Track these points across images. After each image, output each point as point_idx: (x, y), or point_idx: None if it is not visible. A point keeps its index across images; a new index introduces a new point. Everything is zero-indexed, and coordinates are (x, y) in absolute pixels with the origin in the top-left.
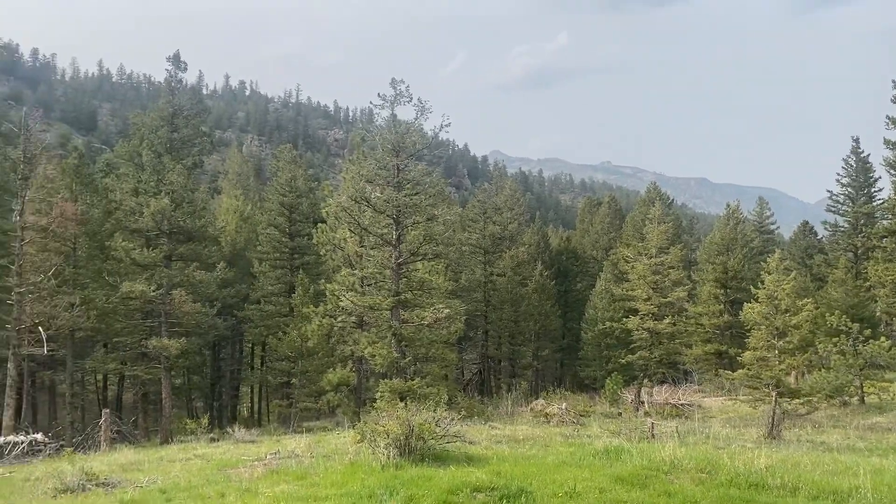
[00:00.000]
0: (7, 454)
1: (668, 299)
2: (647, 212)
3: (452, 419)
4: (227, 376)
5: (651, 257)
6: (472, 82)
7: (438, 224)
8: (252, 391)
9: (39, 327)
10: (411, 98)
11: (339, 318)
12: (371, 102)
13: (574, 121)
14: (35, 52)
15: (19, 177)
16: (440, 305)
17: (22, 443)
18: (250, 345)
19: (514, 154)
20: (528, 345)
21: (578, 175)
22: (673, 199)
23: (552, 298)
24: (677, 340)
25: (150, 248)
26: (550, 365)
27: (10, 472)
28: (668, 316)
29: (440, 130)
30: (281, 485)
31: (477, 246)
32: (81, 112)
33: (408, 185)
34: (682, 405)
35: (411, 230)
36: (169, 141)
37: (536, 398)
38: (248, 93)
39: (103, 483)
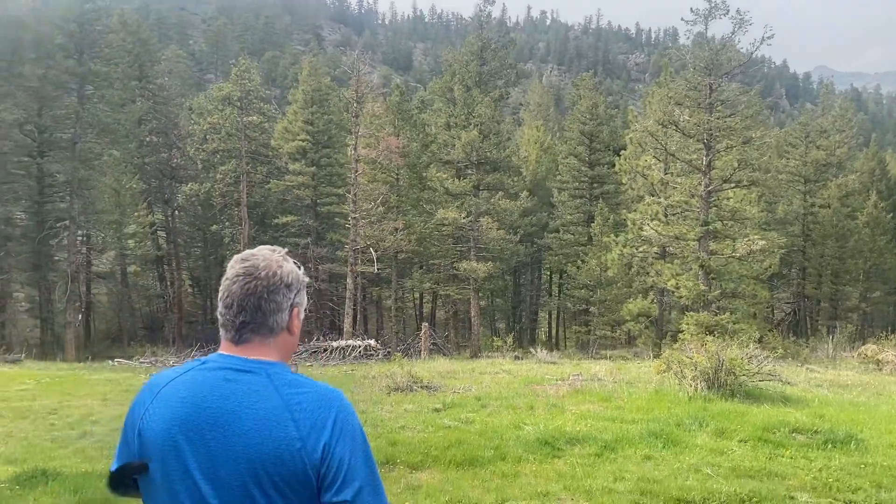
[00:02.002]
0: (348, 355)
1: None
2: None
3: (766, 357)
4: (527, 301)
5: None
6: None
7: (754, 148)
8: (549, 317)
9: (371, 248)
10: (728, 10)
11: (641, 248)
12: (682, 18)
13: None
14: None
15: (352, 115)
16: (755, 236)
17: (359, 347)
18: (548, 272)
19: (845, 68)
20: (855, 285)
21: None
22: None
23: (888, 234)
24: None
25: (461, 179)
26: (882, 308)
27: (352, 370)
28: None
29: (760, 44)
30: (586, 404)
31: (796, 174)
32: (399, 53)
33: (720, 107)
34: None
35: (723, 155)
36: (478, 74)
37: (863, 343)
38: (548, 22)
39: (426, 386)
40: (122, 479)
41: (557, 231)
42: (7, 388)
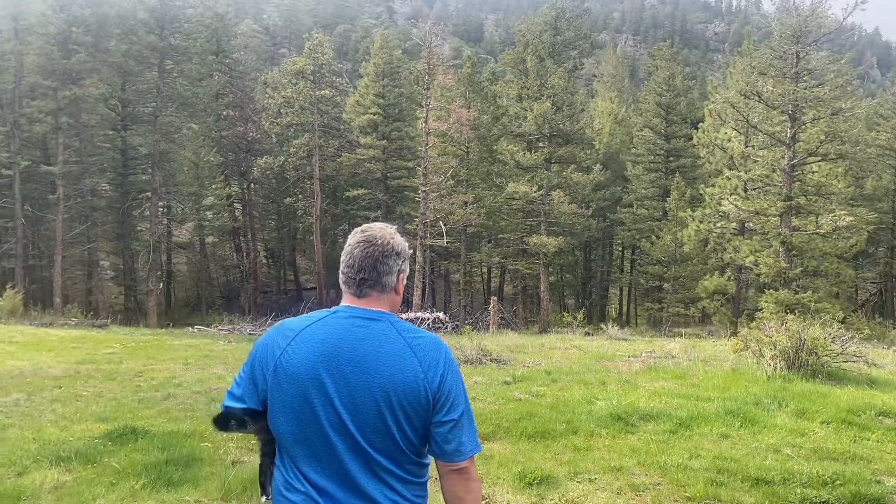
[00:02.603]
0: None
1: None
2: None
3: (851, 338)
4: (598, 277)
5: None
6: None
7: (842, 120)
8: (620, 293)
9: (440, 222)
10: None
11: (718, 224)
12: None
13: None
14: None
15: (423, 87)
16: (841, 213)
17: (428, 319)
18: (620, 247)
19: None
20: None
21: None
22: None
23: None
24: None
25: (532, 151)
26: None
27: None
28: None
29: (852, 10)
30: (660, 381)
31: (887, 147)
32: (470, 25)
33: (807, 76)
34: None
35: (809, 127)
36: (551, 45)
37: None
38: None
39: (495, 359)
40: (226, 421)
41: (631, 206)
42: (96, 352)
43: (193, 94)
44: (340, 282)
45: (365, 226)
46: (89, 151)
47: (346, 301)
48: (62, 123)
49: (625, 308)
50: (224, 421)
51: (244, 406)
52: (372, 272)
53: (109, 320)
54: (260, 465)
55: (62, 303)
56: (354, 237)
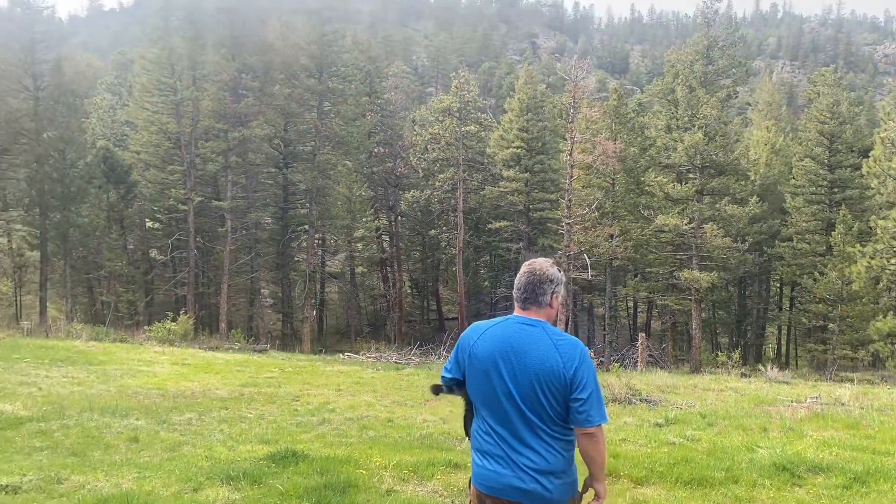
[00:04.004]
0: None
1: None
2: None
3: None
4: (754, 314)
5: None
6: None
7: None
8: (779, 332)
9: (584, 255)
10: None
11: (893, 260)
12: None
13: None
14: (576, 5)
15: (568, 121)
16: None
17: None
18: (778, 284)
19: None
20: None
21: None
22: None
23: None
24: None
25: (683, 183)
26: None
27: None
28: None
29: None
30: (828, 430)
31: None
32: (615, 56)
33: None
34: None
35: None
36: (703, 74)
37: None
38: (779, 15)
39: (645, 399)
40: (441, 387)
41: (790, 239)
42: (258, 375)
43: (348, 133)
44: (514, 297)
45: (531, 260)
46: (254, 188)
47: (516, 311)
48: (231, 162)
49: (784, 349)
50: (439, 387)
51: (452, 377)
52: (532, 293)
53: (268, 345)
54: (464, 416)
55: (227, 328)
56: (523, 268)
